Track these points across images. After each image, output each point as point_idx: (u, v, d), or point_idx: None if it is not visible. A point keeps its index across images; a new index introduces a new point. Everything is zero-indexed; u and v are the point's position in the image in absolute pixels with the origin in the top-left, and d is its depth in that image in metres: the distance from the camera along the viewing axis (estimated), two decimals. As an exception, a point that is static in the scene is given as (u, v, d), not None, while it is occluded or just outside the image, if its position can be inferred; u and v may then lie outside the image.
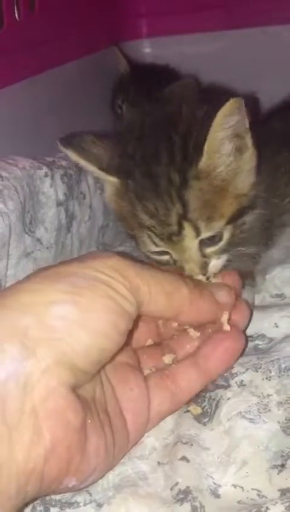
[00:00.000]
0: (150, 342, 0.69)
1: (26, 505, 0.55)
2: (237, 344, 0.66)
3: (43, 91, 1.09)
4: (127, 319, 0.55)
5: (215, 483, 0.58)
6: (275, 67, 1.28)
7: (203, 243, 0.71)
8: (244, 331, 0.70)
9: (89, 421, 0.53)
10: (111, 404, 0.59)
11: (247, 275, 0.81)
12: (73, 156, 0.75)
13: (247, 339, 0.71)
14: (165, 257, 0.73)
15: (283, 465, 0.58)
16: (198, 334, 0.68)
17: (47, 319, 0.50)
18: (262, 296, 0.85)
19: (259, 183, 0.75)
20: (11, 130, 0.99)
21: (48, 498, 0.58)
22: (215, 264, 0.72)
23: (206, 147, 0.67)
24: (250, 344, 0.74)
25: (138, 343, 0.68)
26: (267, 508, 0.52)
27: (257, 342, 0.75)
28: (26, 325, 0.50)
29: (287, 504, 0.52)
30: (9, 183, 0.79)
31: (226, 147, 0.69)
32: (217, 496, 0.57)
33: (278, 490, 0.56)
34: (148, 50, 1.49)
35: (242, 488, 0.57)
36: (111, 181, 0.75)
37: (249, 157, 0.72)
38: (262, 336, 0.75)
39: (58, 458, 0.51)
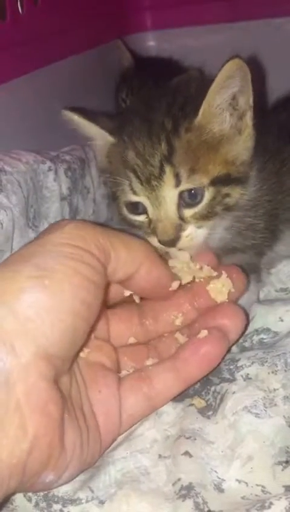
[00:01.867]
0: (132, 340, 0.68)
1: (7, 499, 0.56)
2: (217, 349, 0.63)
3: (46, 85, 1.08)
4: (97, 290, 0.55)
5: (219, 478, 0.58)
6: (280, 59, 1.27)
7: (183, 200, 0.69)
8: (236, 338, 0.67)
9: (66, 415, 0.54)
10: (86, 404, 0.59)
11: (251, 269, 0.81)
12: (75, 117, 0.76)
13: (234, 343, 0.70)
14: (141, 217, 0.73)
15: (287, 462, 0.58)
16: (186, 339, 0.67)
17: (19, 308, 0.50)
18: (267, 290, 0.85)
19: (263, 179, 0.77)
20: (14, 124, 0.99)
21: (50, 494, 0.58)
22: (190, 233, 0.70)
23: (203, 104, 0.69)
24: (255, 338, 0.74)
25: (120, 341, 0.67)
26: (271, 503, 0.52)
27: (262, 336, 0.74)
28: (0, 317, 0.49)
29: (291, 500, 0.52)
30: (13, 177, 0.78)
31: (223, 108, 0.70)
32: (221, 491, 0.57)
33: (283, 486, 0.56)
34: (152, 43, 1.48)
35: (246, 483, 0.57)
36: (108, 140, 0.76)
37: (247, 135, 0.73)
38: (267, 330, 0.74)
39: (40, 452, 0.51)
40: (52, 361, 0.51)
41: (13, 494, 0.56)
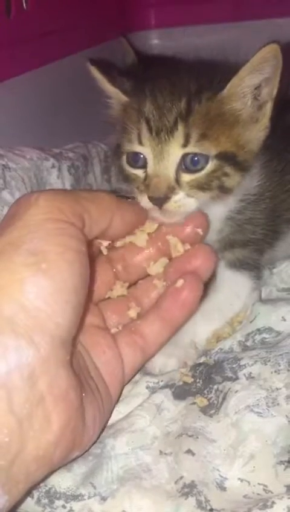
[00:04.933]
0: (110, 293, 0.69)
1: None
2: (194, 293, 0.66)
3: (49, 82, 1.08)
4: (86, 259, 0.55)
5: (221, 476, 0.58)
6: (284, 59, 1.27)
7: (183, 165, 0.70)
8: (208, 276, 0.69)
9: (84, 394, 0.55)
10: (93, 370, 0.60)
11: (251, 265, 0.81)
12: (95, 72, 0.77)
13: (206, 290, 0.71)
14: (139, 171, 0.72)
15: (289, 461, 0.58)
16: (164, 283, 0.69)
17: (26, 301, 0.50)
18: (269, 290, 0.85)
19: (266, 176, 0.78)
20: (17, 121, 0.99)
21: (52, 491, 0.58)
22: (180, 199, 0.69)
23: (232, 81, 0.70)
24: (257, 337, 0.74)
25: (98, 296, 0.68)
26: (273, 503, 0.52)
27: (264, 335, 0.74)
28: (11, 313, 0.49)
29: (293, 499, 0.52)
30: (17, 174, 0.79)
31: (247, 93, 0.71)
32: (223, 489, 0.57)
33: (285, 486, 0.56)
34: (156, 41, 1.49)
35: (249, 482, 0.57)
36: (122, 98, 0.76)
37: (263, 125, 0.73)
38: (269, 329, 0.74)
39: (66, 440, 0.52)
40: (66, 345, 0.52)
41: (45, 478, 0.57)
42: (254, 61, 0.69)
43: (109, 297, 0.70)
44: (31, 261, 0.51)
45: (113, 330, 0.67)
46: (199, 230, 0.69)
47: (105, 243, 0.67)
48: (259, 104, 0.73)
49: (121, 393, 0.65)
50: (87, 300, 0.59)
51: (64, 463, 0.56)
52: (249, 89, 0.71)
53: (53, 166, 0.87)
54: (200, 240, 0.70)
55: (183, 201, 0.69)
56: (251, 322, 0.76)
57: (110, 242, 0.67)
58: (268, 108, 0.73)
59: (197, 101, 0.70)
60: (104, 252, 0.68)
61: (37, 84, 1.04)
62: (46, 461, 0.51)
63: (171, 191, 0.69)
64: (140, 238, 0.69)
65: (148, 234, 0.69)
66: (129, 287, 0.71)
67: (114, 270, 0.70)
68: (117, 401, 0.64)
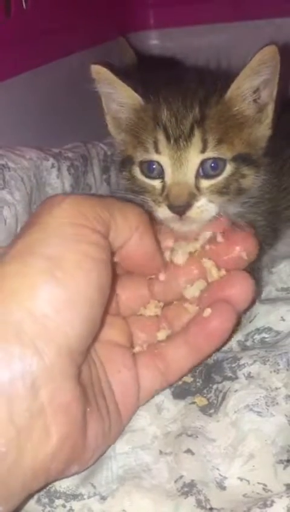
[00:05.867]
0: (142, 310, 0.66)
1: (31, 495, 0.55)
2: (225, 324, 0.61)
3: (49, 82, 1.08)
4: (107, 268, 0.53)
5: (221, 475, 0.58)
6: (283, 59, 1.27)
7: (202, 170, 0.70)
8: (245, 306, 0.65)
9: (88, 408, 0.53)
10: (106, 387, 0.58)
11: (252, 268, 0.81)
12: (107, 73, 0.74)
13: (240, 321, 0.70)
14: (155, 182, 0.72)
15: (288, 460, 0.58)
16: (196, 308, 0.65)
17: (36, 308, 0.48)
18: (268, 289, 0.85)
19: (264, 180, 0.77)
20: (16, 120, 0.99)
21: (52, 490, 0.58)
22: (202, 204, 0.69)
23: (234, 83, 0.71)
24: (257, 337, 0.74)
25: (129, 312, 0.66)
26: (272, 502, 0.52)
27: (263, 334, 0.74)
28: (19, 319, 0.48)
29: (293, 498, 0.52)
30: (17, 173, 0.79)
31: (247, 96, 0.72)
32: (223, 488, 0.57)
33: (284, 485, 0.56)
34: (155, 41, 1.49)
35: (248, 481, 0.57)
36: (138, 102, 0.75)
37: (267, 125, 0.75)
38: (269, 329, 0.74)
39: (64, 453, 0.50)
40: (74, 356, 0.50)
41: (39, 490, 0.56)
42: (253, 64, 0.70)
43: (140, 314, 0.67)
44: (46, 266, 0.49)
45: (137, 349, 0.63)
46: (244, 254, 0.64)
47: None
48: (260, 106, 0.73)
49: (132, 416, 0.62)
50: (105, 312, 0.56)
51: (62, 477, 0.55)
52: (249, 91, 0.72)
53: (52, 166, 0.87)
54: (242, 265, 0.65)
55: (205, 207, 0.69)
56: (250, 321, 0.76)
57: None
58: (270, 109, 0.74)
59: (208, 106, 0.71)
60: None
61: (36, 83, 1.04)
62: (42, 473, 0.50)
63: (192, 197, 0.69)
64: (178, 256, 0.66)
65: (190, 253, 0.66)
66: (163, 306, 0.67)
67: (151, 285, 0.66)
68: (127, 424, 0.62)
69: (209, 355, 0.65)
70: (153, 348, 0.63)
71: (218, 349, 0.66)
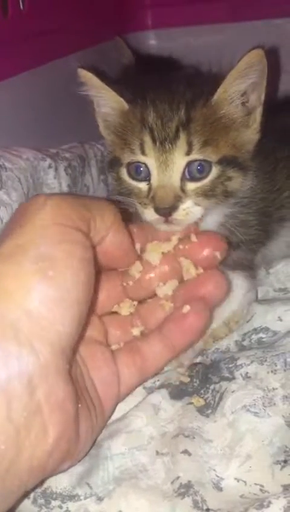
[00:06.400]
0: (116, 307, 0.68)
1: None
2: (200, 321, 0.64)
3: (46, 82, 1.08)
4: (91, 267, 0.54)
5: (218, 476, 0.58)
6: (271, 61, 1.28)
7: (188, 173, 0.70)
8: (218, 303, 0.69)
9: (80, 405, 0.54)
10: (89, 383, 0.59)
11: (246, 265, 0.81)
12: (93, 78, 0.74)
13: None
14: (142, 184, 0.72)
15: (285, 461, 0.58)
16: (171, 305, 0.67)
17: (31, 307, 0.49)
18: (265, 290, 0.85)
19: (257, 177, 0.78)
20: (14, 121, 0.99)
21: (48, 491, 0.58)
22: (188, 207, 0.69)
23: (221, 86, 0.71)
24: (254, 337, 0.74)
25: (104, 309, 0.67)
26: (269, 502, 0.52)
27: (260, 335, 0.74)
28: (15, 318, 0.49)
29: (289, 498, 0.52)
30: (13, 174, 0.78)
31: (234, 99, 0.72)
32: (220, 489, 0.57)
33: (281, 486, 0.56)
34: (153, 42, 1.48)
35: (245, 482, 0.57)
36: (123, 106, 0.75)
37: (254, 129, 0.75)
38: (266, 329, 0.74)
39: (60, 451, 0.51)
40: (66, 354, 0.51)
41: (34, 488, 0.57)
42: (240, 67, 0.70)
43: (114, 312, 0.68)
44: (38, 266, 0.51)
45: (114, 347, 0.65)
46: (217, 254, 0.67)
47: None
48: (248, 109, 0.73)
49: (114, 411, 0.64)
50: (90, 311, 0.58)
51: (55, 473, 0.56)
52: (237, 94, 0.72)
53: (50, 167, 0.87)
54: (216, 264, 0.68)
55: (191, 209, 0.69)
56: (247, 321, 0.76)
57: None
58: (258, 113, 0.74)
59: (194, 109, 0.71)
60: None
61: (33, 84, 1.04)
62: (39, 470, 0.50)
63: (178, 200, 0.69)
64: (153, 256, 0.67)
65: (163, 253, 0.67)
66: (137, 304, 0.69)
67: (124, 284, 0.68)
68: (109, 418, 0.63)
69: (184, 350, 0.67)
70: (129, 345, 0.65)
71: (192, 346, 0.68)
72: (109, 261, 0.64)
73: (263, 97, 0.73)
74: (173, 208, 0.68)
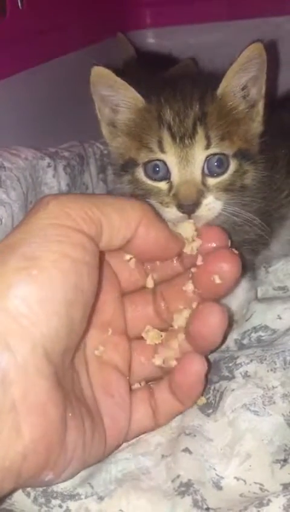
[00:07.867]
0: (148, 328, 0.65)
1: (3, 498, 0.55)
2: (203, 369, 0.61)
3: (46, 81, 1.08)
4: (90, 271, 0.53)
5: (217, 475, 0.58)
6: (271, 57, 1.28)
7: (208, 168, 0.70)
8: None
9: (70, 414, 0.52)
10: (92, 404, 0.57)
11: (247, 266, 0.81)
12: (110, 74, 0.74)
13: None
14: (161, 183, 0.72)
15: (285, 460, 0.58)
16: (183, 336, 0.63)
17: (10, 305, 0.48)
18: (265, 288, 0.85)
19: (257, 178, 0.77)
20: (13, 120, 0.99)
21: (49, 490, 0.57)
22: (210, 202, 0.69)
23: (223, 81, 0.72)
24: (253, 335, 0.74)
25: (136, 330, 0.65)
26: (269, 501, 0.52)
27: (260, 333, 0.74)
28: None
29: (289, 497, 0.52)
30: (12, 173, 0.78)
31: (236, 93, 0.73)
32: (220, 488, 0.57)
33: (281, 484, 0.56)
34: (151, 40, 1.49)
35: (245, 481, 0.57)
36: (140, 103, 0.74)
37: (259, 122, 0.76)
38: (265, 328, 0.75)
39: (37, 454, 0.49)
40: (51, 357, 0.49)
41: (10, 492, 0.55)
42: (240, 61, 0.71)
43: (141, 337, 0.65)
44: (23, 265, 0.49)
45: (134, 386, 0.63)
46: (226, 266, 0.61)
47: (127, 257, 0.62)
48: (249, 104, 0.74)
49: (118, 445, 0.61)
50: (90, 316, 0.56)
51: (35, 483, 0.53)
52: (238, 88, 0.73)
53: (49, 166, 0.87)
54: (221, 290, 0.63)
55: (213, 204, 0.70)
56: (247, 320, 0.76)
57: (132, 256, 0.63)
58: (260, 106, 0.75)
59: (206, 104, 0.72)
60: (150, 284, 0.65)
61: (32, 83, 1.04)
62: (12, 473, 0.48)
63: (201, 195, 0.69)
64: (185, 227, 0.64)
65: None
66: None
67: (160, 305, 0.65)
68: (112, 452, 0.60)
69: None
70: (148, 386, 0.63)
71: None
72: (152, 257, 0.62)
73: (263, 90, 0.74)
74: (197, 204, 0.68)
